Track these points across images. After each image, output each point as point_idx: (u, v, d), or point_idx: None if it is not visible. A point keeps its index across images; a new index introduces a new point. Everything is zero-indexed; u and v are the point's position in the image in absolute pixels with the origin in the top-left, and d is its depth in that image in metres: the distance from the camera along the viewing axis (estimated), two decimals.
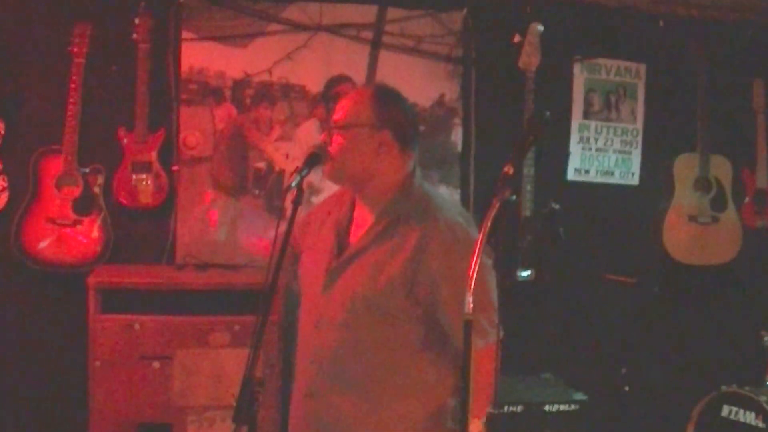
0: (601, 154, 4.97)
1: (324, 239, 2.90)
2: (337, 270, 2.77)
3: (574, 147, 4.95)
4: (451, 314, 2.66)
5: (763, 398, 4.30)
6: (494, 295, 2.70)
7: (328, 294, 2.77)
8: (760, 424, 4.29)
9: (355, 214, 2.88)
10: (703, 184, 4.85)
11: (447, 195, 3.05)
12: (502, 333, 2.72)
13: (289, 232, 2.69)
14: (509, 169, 2.29)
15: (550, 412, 4.30)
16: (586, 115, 4.96)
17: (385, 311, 2.70)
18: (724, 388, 4.48)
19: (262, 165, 4.58)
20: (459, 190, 4.74)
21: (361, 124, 2.75)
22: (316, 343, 2.79)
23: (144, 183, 4.37)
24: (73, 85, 4.25)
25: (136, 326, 3.97)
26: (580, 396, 4.38)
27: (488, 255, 2.58)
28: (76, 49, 4.26)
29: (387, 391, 2.75)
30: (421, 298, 2.70)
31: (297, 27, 4.58)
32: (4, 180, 4.26)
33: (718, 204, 4.87)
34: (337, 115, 2.79)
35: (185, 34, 4.49)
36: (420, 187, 2.83)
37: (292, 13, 4.57)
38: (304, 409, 2.85)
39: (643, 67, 5.02)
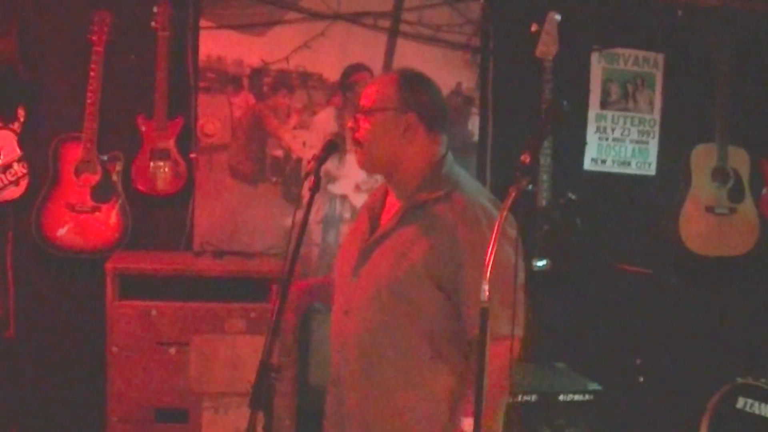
0: (618, 144, 4.97)
1: (358, 226, 2.93)
2: (365, 254, 2.78)
3: (591, 137, 4.94)
4: (471, 297, 2.60)
5: None
6: (514, 288, 2.50)
7: (357, 280, 2.78)
8: None
9: (387, 200, 2.90)
10: (720, 174, 4.83)
11: (477, 182, 3.01)
12: (520, 331, 2.61)
13: (306, 219, 2.71)
14: (526, 158, 2.29)
15: (564, 402, 4.30)
16: (604, 104, 4.95)
17: (408, 298, 2.69)
18: (739, 379, 4.47)
19: (279, 153, 4.60)
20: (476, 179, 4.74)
21: (386, 108, 2.75)
22: (344, 331, 2.80)
23: (162, 170, 4.39)
24: (92, 73, 4.27)
25: (154, 312, 3.99)
26: (594, 386, 4.39)
27: (510, 242, 2.52)
28: (95, 38, 4.27)
29: (409, 382, 2.73)
30: (444, 282, 2.68)
31: (315, 15, 4.58)
32: (24, 167, 4.29)
33: (736, 195, 4.85)
34: (363, 101, 2.79)
35: (203, 23, 4.50)
36: (448, 171, 2.81)
37: (309, 1, 4.57)
38: (333, 395, 2.88)
39: (661, 57, 5.00)
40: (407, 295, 2.69)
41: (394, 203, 2.84)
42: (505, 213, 2.23)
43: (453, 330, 2.73)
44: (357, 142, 2.78)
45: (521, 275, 2.61)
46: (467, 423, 2.62)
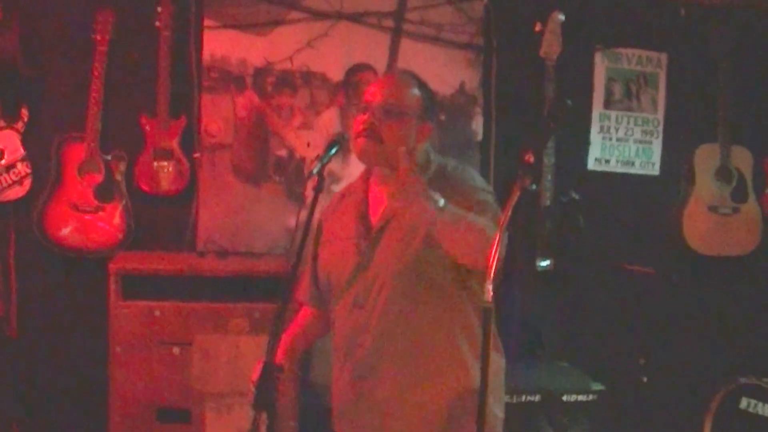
0: (622, 144, 4.96)
1: (345, 225, 2.92)
2: (370, 247, 2.80)
3: (595, 136, 4.93)
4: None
5: None
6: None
7: (364, 272, 2.79)
8: None
9: (371, 195, 2.91)
10: (723, 174, 4.82)
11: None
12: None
13: (310, 219, 2.71)
14: (530, 158, 2.30)
15: (567, 402, 4.30)
16: (607, 104, 4.94)
17: (426, 273, 2.72)
18: (742, 379, 4.46)
19: (283, 152, 4.60)
20: None
21: (414, 116, 2.81)
22: (360, 322, 2.80)
23: (165, 170, 4.40)
24: (95, 72, 4.27)
25: (157, 312, 3.99)
26: (598, 386, 4.38)
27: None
28: (98, 37, 4.28)
29: (438, 357, 2.77)
30: None
31: (318, 15, 4.58)
32: (27, 166, 4.29)
33: (739, 194, 4.85)
34: (392, 101, 2.78)
35: (207, 22, 4.50)
36: (434, 155, 2.90)
37: (313, 1, 4.58)
38: (354, 391, 2.86)
39: (664, 57, 4.99)
40: (424, 269, 2.72)
41: (384, 194, 2.85)
42: (508, 212, 2.23)
43: (467, 295, 2.78)
44: (378, 139, 2.76)
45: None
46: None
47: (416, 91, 2.84)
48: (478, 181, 2.87)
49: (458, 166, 2.90)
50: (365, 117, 2.79)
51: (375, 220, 2.85)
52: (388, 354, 2.78)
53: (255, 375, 2.69)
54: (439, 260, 2.70)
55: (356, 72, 4.62)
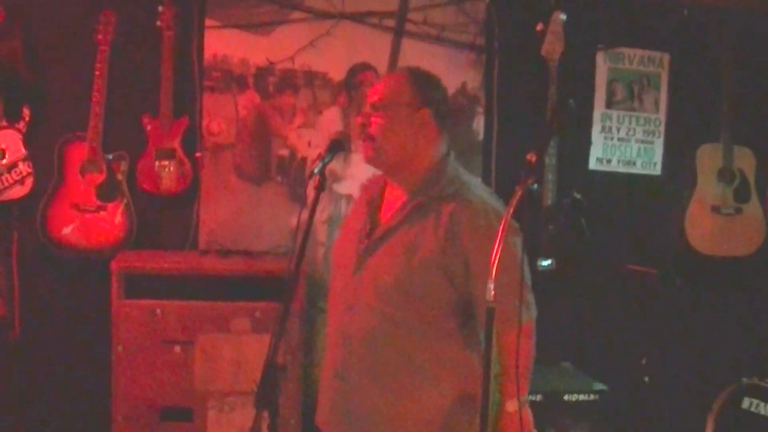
0: (624, 144, 4.96)
1: (356, 220, 2.93)
2: (368, 251, 2.79)
3: (597, 136, 4.93)
4: (481, 294, 2.67)
5: None
6: (524, 275, 2.69)
7: (360, 276, 2.79)
8: None
9: (386, 194, 2.90)
10: (726, 174, 4.82)
11: (478, 180, 3.06)
12: (535, 312, 2.82)
13: (311, 219, 2.71)
14: (532, 157, 2.30)
15: (569, 402, 4.30)
16: (609, 104, 4.94)
17: (418, 292, 2.71)
18: (745, 380, 4.47)
19: (285, 152, 4.60)
20: (481, 179, 4.74)
21: (402, 104, 2.77)
22: (348, 326, 2.80)
23: (167, 170, 4.40)
24: (98, 73, 4.28)
25: (159, 311, 4.00)
26: (599, 386, 4.38)
27: (516, 234, 2.62)
28: (101, 37, 4.28)
29: (417, 377, 2.76)
30: (455, 276, 2.71)
31: (320, 15, 4.59)
32: (29, 166, 4.29)
33: (741, 195, 4.84)
34: (374, 97, 2.79)
35: (209, 22, 4.50)
36: (453, 169, 2.85)
37: (315, 1, 4.58)
38: (332, 388, 2.87)
39: (666, 57, 4.99)
40: (417, 288, 2.71)
41: (397, 198, 2.85)
42: (511, 210, 2.24)
43: (467, 323, 2.77)
44: (369, 137, 2.77)
45: (526, 267, 2.74)
46: (511, 404, 2.73)
47: (405, 81, 2.81)
48: (498, 219, 2.67)
49: (482, 210, 2.73)
50: (359, 120, 2.82)
51: (384, 220, 2.84)
52: (365, 366, 2.78)
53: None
54: (434, 278, 2.71)
55: (358, 72, 4.62)
